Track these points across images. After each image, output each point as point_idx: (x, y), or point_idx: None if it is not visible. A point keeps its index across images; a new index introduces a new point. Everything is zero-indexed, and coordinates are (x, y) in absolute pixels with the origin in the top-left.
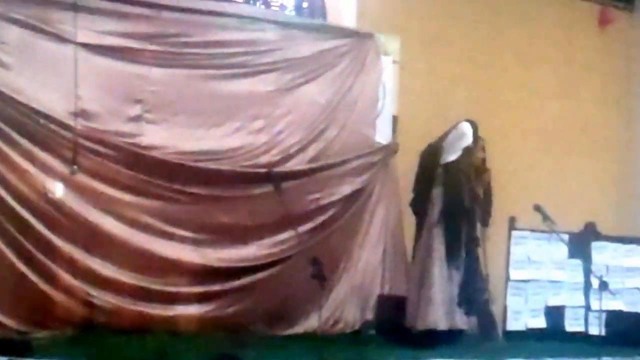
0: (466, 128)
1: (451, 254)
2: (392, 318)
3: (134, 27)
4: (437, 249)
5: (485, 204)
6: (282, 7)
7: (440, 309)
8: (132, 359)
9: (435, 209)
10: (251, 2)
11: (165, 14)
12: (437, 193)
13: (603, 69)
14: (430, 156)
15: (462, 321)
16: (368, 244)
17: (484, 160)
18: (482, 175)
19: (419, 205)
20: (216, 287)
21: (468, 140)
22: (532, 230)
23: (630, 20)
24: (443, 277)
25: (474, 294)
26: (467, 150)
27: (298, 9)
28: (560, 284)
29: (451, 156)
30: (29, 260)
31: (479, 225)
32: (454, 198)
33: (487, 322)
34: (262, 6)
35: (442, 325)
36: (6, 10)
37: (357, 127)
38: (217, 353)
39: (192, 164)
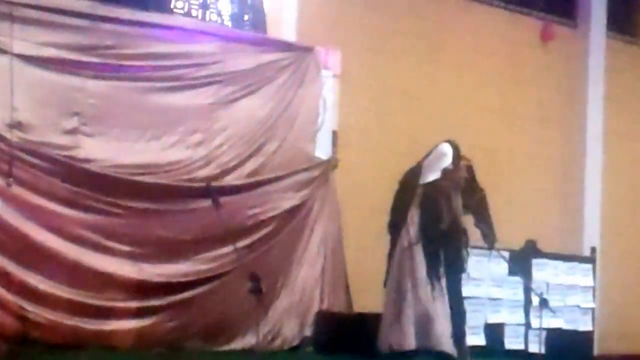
0: (446, 148)
1: (429, 275)
2: (331, 334)
3: (71, 39)
4: (415, 269)
5: (485, 226)
6: (222, 19)
7: (411, 329)
8: None
9: (411, 230)
10: (191, 14)
11: (103, 26)
12: (414, 214)
13: (545, 84)
14: (410, 176)
15: (439, 342)
16: (307, 260)
17: (468, 180)
18: (472, 196)
19: (395, 225)
20: (153, 302)
21: (447, 160)
22: (473, 247)
23: (573, 36)
24: (419, 298)
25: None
26: (447, 171)
27: (239, 21)
28: (500, 302)
29: (430, 176)
30: None
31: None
32: (432, 219)
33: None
34: (202, 18)
35: (412, 345)
36: None
37: (296, 141)
38: None
39: (129, 177)
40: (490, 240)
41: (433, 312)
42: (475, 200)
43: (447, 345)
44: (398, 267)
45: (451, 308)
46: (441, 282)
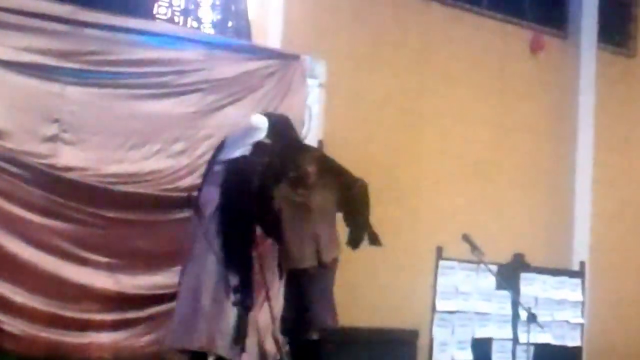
0: (259, 122)
1: (226, 266)
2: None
3: (51, 44)
4: (209, 259)
5: (353, 223)
6: (205, 26)
7: (204, 328)
8: None
9: (208, 213)
10: (174, 20)
11: (84, 31)
12: (211, 193)
13: (535, 95)
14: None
15: (224, 348)
16: None
17: (324, 175)
18: (343, 192)
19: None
20: (131, 315)
21: (260, 135)
22: (460, 261)
23: (563, 47)
24: (214, 296)
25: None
26: (262, 148)
27: (222, 28)
28: (487, 316)
29: (236, 152)
30: None
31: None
32: (234, 200)
33: None
34: (185, 25)
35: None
36: None
37: None
38: None
39: (110, 186)
40: (354, 240)
41: (223, 312)
42: (348, 195)
43: (223, 349)
44: (197, 259)
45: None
46: (235, 278)
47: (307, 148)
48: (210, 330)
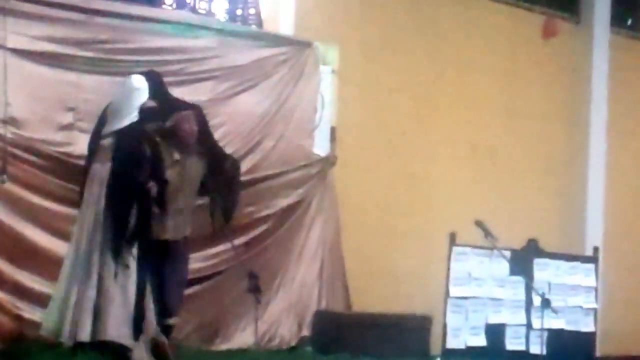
0: (137, 82)
1: (113, 249)
2: (329, 334)
3: (66, 33)
4: (99, 242)
5: (217, 200)
6: (216, 14)
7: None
8: None
9: (96, 189)
10: (186, 8)
11: (98, 20)
12: (100, 171)
13: (548, 81)
14: (92, 133)
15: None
16: (305, 259)
17: (193, 133)
18: (219, 164)
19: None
20: None
21: (142, 95)
22: (473, 247)
23: (576, 32)
24: (101, 278)
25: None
26: (148, 111)
27: (234, 16)
28: (501, 302)
29: (123, 121)
30: None
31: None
32: (125, 170)
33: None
34: (196, 12)
35: (87, 337)
36: None
37: (294, 138)
38: None
39: None
40: (225, 216)
41: (112, 296)
42: (219, 169)
43: (122, 337)
44: (88, 238)
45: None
46: (128, 257)
47: (187, 105)
48: (112, 318)
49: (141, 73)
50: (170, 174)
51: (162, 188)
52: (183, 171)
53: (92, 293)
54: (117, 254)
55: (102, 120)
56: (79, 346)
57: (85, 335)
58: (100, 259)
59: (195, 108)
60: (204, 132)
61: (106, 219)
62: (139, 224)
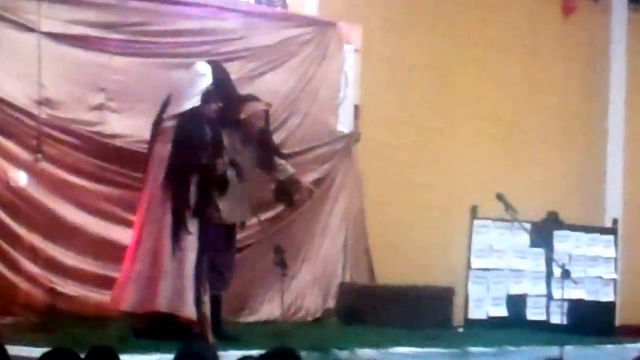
0: (203, 68)
1: (172, 226)
2: (354, 306)
3: (97, 16)
4: (166, 221)
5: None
6: None
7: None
8: (95, 344)
9: (157, 170)
10: None
11: (129, 3)
12: (159, 149)
13: (567, 57)
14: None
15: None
16: (329, 233)
17: (262, 131)
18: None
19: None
20: None
21: (206, 81)
22: (494, 219)
23: (595, 9)
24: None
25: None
26: (209, 95)
27: None
28: (522, 273)
29: (184, 104)
30: None
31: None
32: (186, 152)
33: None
34: None
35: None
36: None
37: (319, 116)
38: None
39: None
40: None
41: (165, 270)
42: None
43: (185, 309)
44: (153, 220)
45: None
46: (185, 234)
47: (252, 97)
48: (173, 292)
49: (208, 61)
50: (230, 160)
51: (223, 171)
52: (242, 160)
53: (145, 266)
54: (175, 231)
55: (165, 104)
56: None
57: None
58: (156, 235)
59: (262, 103)
60: (267, 130)
61: (163, 196)
62: (198, 203)
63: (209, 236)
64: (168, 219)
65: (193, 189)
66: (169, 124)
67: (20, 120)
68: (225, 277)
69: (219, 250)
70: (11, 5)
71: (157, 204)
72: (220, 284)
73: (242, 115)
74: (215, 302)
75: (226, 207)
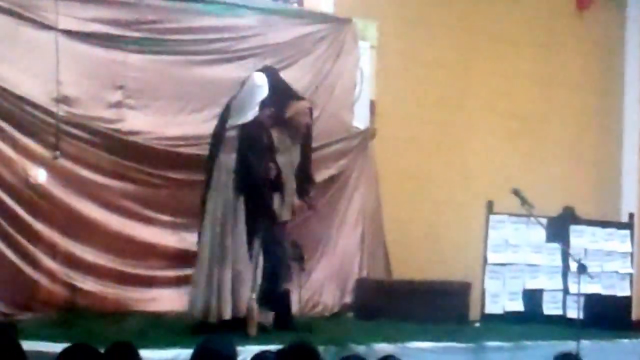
0: (259, 79)
1: (248, 232)
2: (371, 301)
3: (115, 14)
4: (236, 225)
5: (303, 171)
6: None
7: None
8: (114, 340)
9: (224, 178)
10: None
11: (145, 1)
12: (225, 159)
13: (582, 52)
14: (217, 122)
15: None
16: (346, 228)
17: (308, 127)
18: (305, 144)
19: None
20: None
21: (263, 92)
22: (510, 214)
23: (611, 4)
24: (237, 258)
25: (275, 282)
26: (265, 103)
27: None
28: (538, 268)
29: (248, 115)
30: (12, 244)
31: (281, 198)
32: (251, 163)
33: (283, 314)
34: None
35: (228, 314)
36: None
37: (335, 112)
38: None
39: (172, 149)
40: (306, 189)
41: (243, 277)
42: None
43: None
44: (220, 223)
45: (269, 270)
46: (258, 240)
47: (295, 96)
48: (245, 296)
49: (260, 70)
50: (282, 160)
51: (279, 173)
52: (290, 157)
53: (229, 275)
54: (251, 237)
55: (226, 114)
56: (216, 324)
57: (227, 313)
58: (233, 243)
59: (307, 102)
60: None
61: (236, 205)
62: (266, 207)
63: (272, 237)
64: (241, 224)
65: (260, 194)
66: (232, 133)
67: (38, 118)
68: (288, 272)
69: (279, 248)
70: (29, 4)
71: (229, 211)
72: (285, 278)
73: (288, 114)
74: (287, 296)
75: (279, 207)
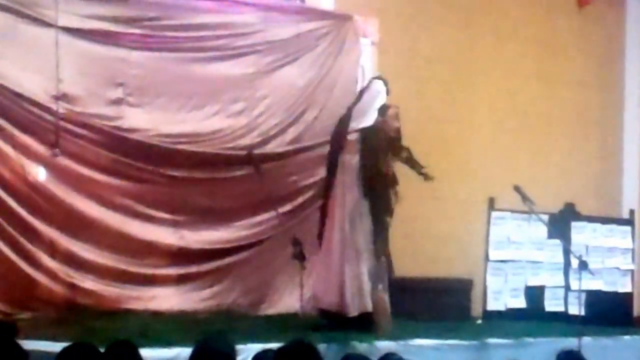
0: (380, 86)
1: (377, 230)
2: None
3: (115, 11)
4: (361, 221)
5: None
6: None
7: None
8: (114, 339)
9: (348, 179)
10: None
11: None
12: (349, 160)
13: (582, 49)
14: (338, 125)
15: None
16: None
17: (398, 130)
18: (399, 151)
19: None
20: (194, 269)
21: (382, 99)
22: (512, 211)
23: (611, 0)
24: (365, 257)
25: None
26: (382, 112)
27: None
28: (539, 264)
29: (368, 119)
30: (11, 242)
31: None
32: (375, 164)
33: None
34: None
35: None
36: None
37: (336, 109)
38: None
39: (172, 146)
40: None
41: (365, 277)
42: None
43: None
44: (349, 220)
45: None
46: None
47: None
48: (376, 291)
49: (378, 78)
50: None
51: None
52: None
53: (364, 270)
54: (377, 234)
55: (348, 117)
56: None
57: (369, 306)
58: (363, 240)
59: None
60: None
61: (363, 203)
62: (387, 205)
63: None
64: (368, 221)
65: (385, 192)
66: (354, 136)
67: (38, 115)
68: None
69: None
70: (28, 1)
71: (354, 210)
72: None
73: (379, 119)
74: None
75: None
